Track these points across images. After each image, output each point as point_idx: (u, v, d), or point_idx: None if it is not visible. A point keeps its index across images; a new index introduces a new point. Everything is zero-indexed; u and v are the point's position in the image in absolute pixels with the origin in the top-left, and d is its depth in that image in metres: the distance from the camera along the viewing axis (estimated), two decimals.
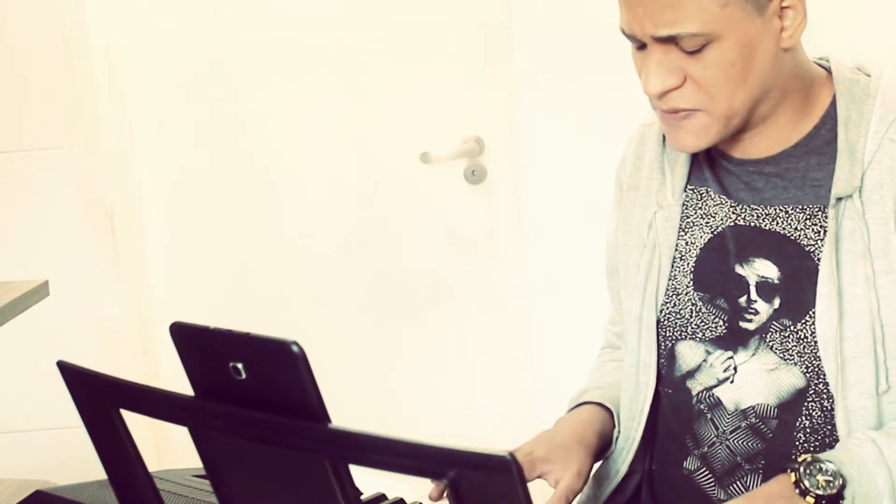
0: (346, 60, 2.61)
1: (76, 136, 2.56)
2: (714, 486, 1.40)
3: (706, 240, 1.41)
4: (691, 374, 1.42)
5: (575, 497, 1.39)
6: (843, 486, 1.22)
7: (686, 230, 1.43)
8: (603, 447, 1.48)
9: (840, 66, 1.38)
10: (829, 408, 1.32)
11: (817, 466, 1.23)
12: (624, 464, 1.48)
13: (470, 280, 2.67)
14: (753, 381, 1.36)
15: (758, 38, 1.28)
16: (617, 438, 1.49)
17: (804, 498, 1.22)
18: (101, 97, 2.59)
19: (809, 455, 1.25)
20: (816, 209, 1.34)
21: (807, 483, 1.22)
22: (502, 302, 2.64)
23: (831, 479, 1.22)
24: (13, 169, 2.57)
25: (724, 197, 1.40)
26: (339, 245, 2.70)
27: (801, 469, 1.23)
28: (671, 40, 1.27)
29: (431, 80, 2.59)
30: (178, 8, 2.63)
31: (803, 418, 1.34)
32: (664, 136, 1.48)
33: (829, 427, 1.32)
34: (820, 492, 1.22)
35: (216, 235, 2.72)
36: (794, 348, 1.33)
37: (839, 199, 1.31)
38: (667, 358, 1.44)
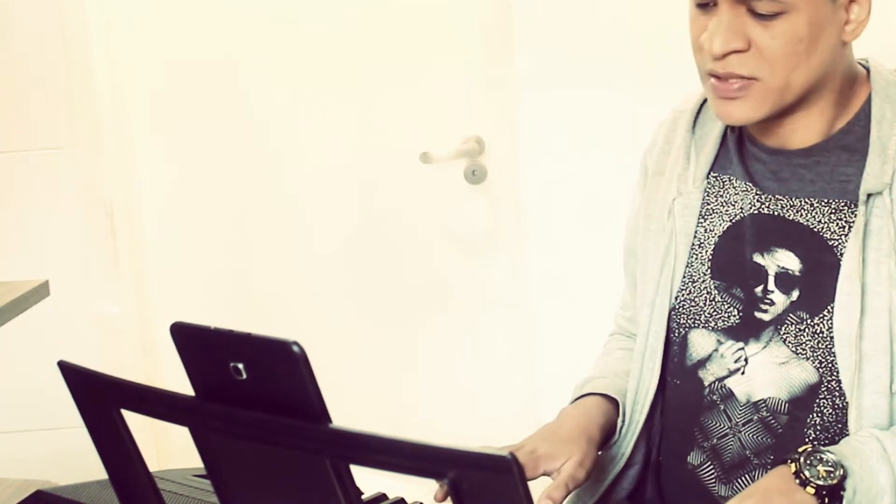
0: (345, 60, 2.61)
1: (76, 136, 2.56)
2: (716, 481, 1.40)
3: (725, 228, 1.42)
4: (702, 363, 1.42)
5: (576, 486, 1.38)
6: (843, 477, 1.21)
7: (706, 217, 1.44)
8: (606, 439, 1.48)
9: (879, 67, 1.39)
10: (840, 406, 1.32)
11: (818, 457, 1.22)
12: (628, 447, 1.48)
13: (470, 280, 2.67)
14: (763, 373, 1.36)
15: (826, 22, 1.29)
16: (621, 428, 1.49)
17: (804, 489, 1.20)
18: (101, 97, 2.59)
19: (810, 445, 1.24)
20: (842, 204, 1.34)
21: (807, 473, 1.21)
22: (502, 302, 2.64)
23: (832, 469, 1.21)
24: (13, 169, 2.57)
25: (750, 184, 1.40)
26: (338, 245, 2.70)
27: (802, 459, 1.22)
28: (745, 1, 1.28)
29: (431, 80, 2.59)
30: (178, 8, 2.63)
31: (814, 415, 1.33)
32: (694, 123, 1.48)
33: (840, 425, 1.32)
34: (820, 482, 1.20)
35: (216, 235, 2.72)
36: (807, 343, 1.33)
37: (869, 196, 1.31)
38: (679, 346, 1.44)
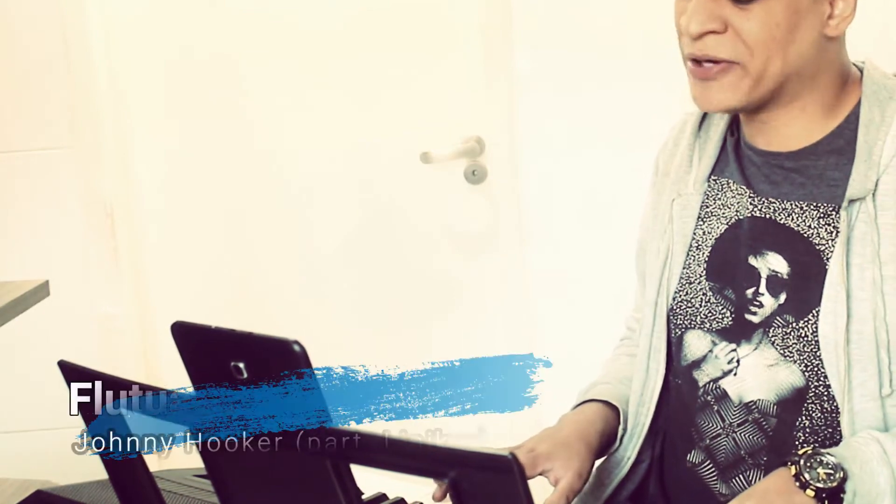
0: (345, 60, 2.61)
1: (76, 135, 2.56)
2: (716, 479, 1.41)
3: (722, 230, 1.42)
4: (697, 364, 1.42)
5: (575, 496, 1.38)
6: (843, 480, 1.21)
7: (704, 220, 1.44)
8: (605, 446, 1.48)
9: (872, 70, 1.38)
10: (829, 410, 1.32)
11: (818, 459, 1.21)
12: (633, 451, 1.48)
13: (470, 280, 2.67)
14: (754, 375, 1.37)
15: (805, 11, 1.29)
16: (622, 437, 1.49)
17: (804, 491, 1.20)
18: (101, 97, 2.59)
19: (810, 448, 1.24)
20: (830, 208, 1.33)
21: (807, 476, 1.20)
22: (502, 302, 2.64)
23: (832, 471, 1.21)
24: (13, 169, 2.57)
25: (745, 187, 1.40)
26: (339, 245, 2.70)
27: (802, 462, 1.21)
28: None
29: (431, 80, 2.59)
30: (178, 8, 2.63)
31: (803, 418, 1.34)
32: (700, 125, 1.48)
33: (830, 430, 1.32)
34: (820, 485, 1.20)
35: (216, 235, 2.72)
36: (794, 346, 1.33)
37: (853, 202, 1.31)
38: (676, 347, 1.45)
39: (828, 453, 1.23)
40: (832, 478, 1.20)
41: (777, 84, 1.32)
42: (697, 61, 1.33)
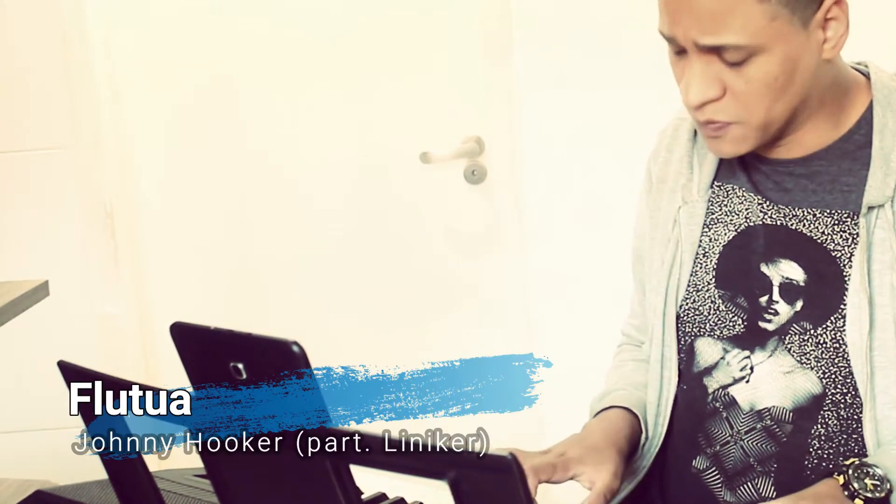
0: (346, 61, 2.61)
1: (76, 136, 2.56)
2: (721, 487, 1.40)
3: (730, 237, 1.41)
4: (709, 371, 1.42)
5: (613, 497, 1.37)
6: (890, 492, 1.23)
7: (710, 227, 1.43)
8: (632, 452, 1.47)
9: (879, 73, 1.37)
10: (845, 417, 1.32)
11: (865, 470, 1.24)
12: (649, 460, 1.47)
13: (469, 280, 2.67)
14: (769, 382, 1.36)
15: (801, 52, 1.27)
16: (644, 444, 1.48)
17: (853, 501, 1.23)
18: (101, 97, 2.59)
19: (857, 459, 1.26)
20: (845, 215, 1.33)
21: (856, 485, 1.23)
22: (502, 302, 2.64)
23: (878, 483, 1.23)
24: (13, 169, 2.57)
25: (753, 194, 1.40)
26: (338, 245, 2.70)
27: (850, 472, 1.24)
28: (714, 50, 1.26)
29: (431, 80, 2.59)
30: (178, 8, 2.64)
31: (818, 426, 1.33)
32: (696, 132, 1.48)
33: (844, 437, 1.32)
34: (869, 495, 1.22)
35: (216, 235, 2.72)
36: (812, 353, 1.33)
37: (871, 208, 1.30)
38: (686, 354, 1.44)
39: (875, 465, 1.24)
40: (879, 489, 1.23)
41: (785, 120, 1.32)
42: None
